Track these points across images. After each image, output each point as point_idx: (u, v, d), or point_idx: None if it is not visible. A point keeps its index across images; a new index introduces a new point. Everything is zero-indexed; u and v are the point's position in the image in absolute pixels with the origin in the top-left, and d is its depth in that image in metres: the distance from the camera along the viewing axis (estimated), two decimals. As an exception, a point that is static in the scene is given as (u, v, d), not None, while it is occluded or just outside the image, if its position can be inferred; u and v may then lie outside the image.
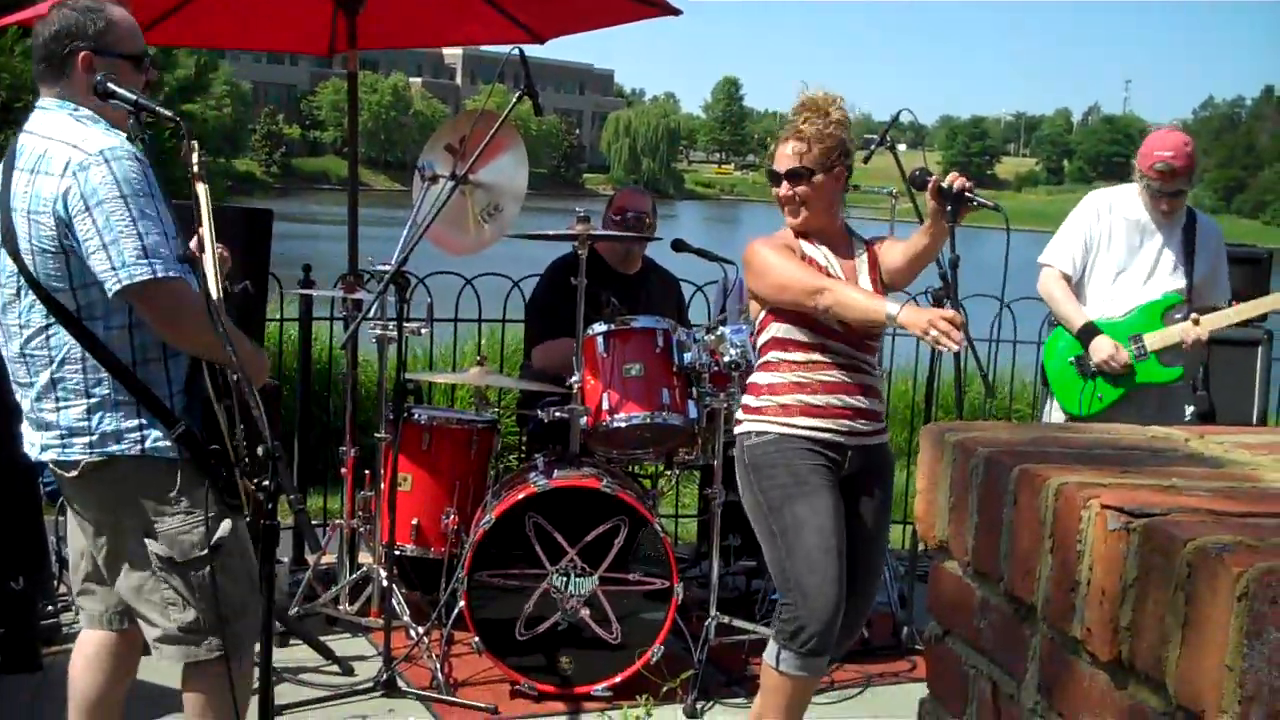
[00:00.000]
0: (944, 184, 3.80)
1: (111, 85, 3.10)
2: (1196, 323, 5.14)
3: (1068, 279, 5.28)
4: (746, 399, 4.13)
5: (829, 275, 4.01)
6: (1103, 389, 5.20)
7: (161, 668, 3.71)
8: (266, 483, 2.88)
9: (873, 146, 5.17)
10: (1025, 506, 1.31)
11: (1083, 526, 1.21)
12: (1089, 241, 5.27)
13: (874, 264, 4.14)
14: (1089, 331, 5.19)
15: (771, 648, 3.98)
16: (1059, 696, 1.29)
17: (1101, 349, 5.15)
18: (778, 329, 4.04)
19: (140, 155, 3.17)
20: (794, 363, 4.00)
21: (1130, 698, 1.17)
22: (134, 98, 3.09)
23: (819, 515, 3.89)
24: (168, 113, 3.18)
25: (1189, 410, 6.04)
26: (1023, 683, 1.35)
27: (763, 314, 4.09)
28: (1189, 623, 1.07)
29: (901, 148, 5.34)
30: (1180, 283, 5.24)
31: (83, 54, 3.28)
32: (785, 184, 4.08)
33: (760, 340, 4.13)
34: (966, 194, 3.79)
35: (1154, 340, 5.17)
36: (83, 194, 3.13)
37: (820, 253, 4.09)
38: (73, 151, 3.16)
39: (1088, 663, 1.23)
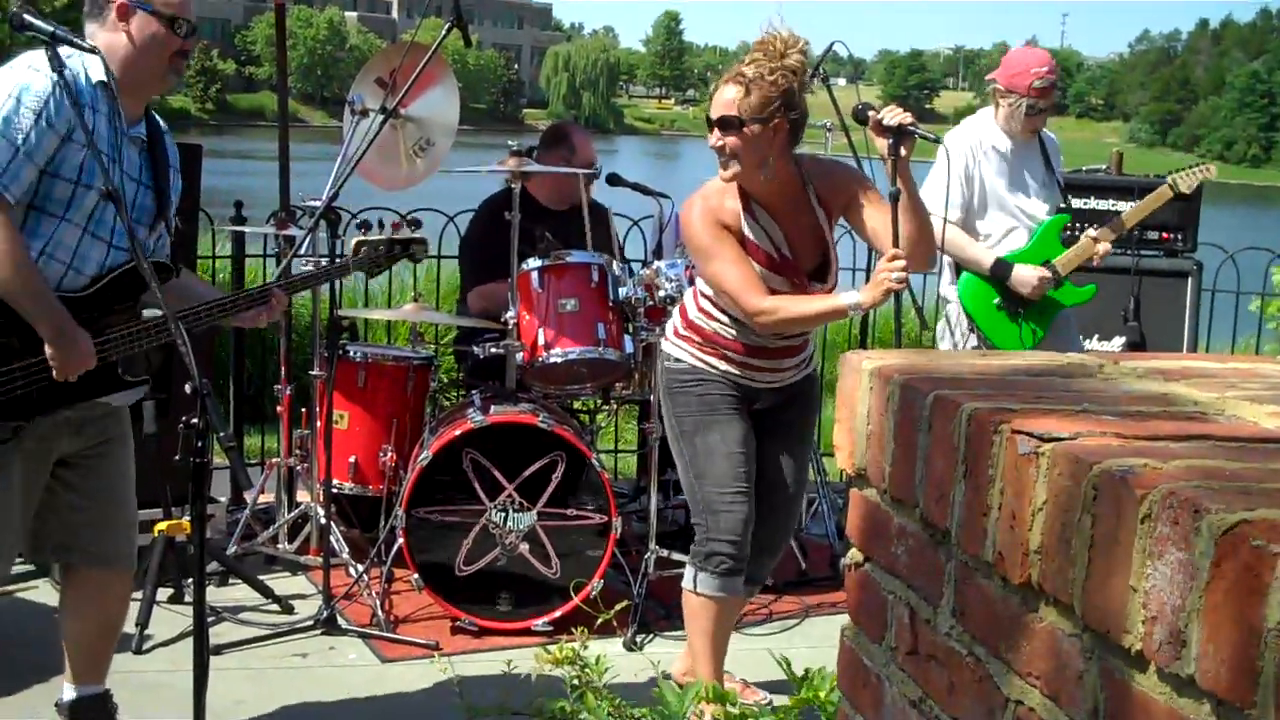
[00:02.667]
0: (883, 118, 3.79)
1: (27, 16, 3.03)
2: (1095, 239, 5.20)
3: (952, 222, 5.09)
4: (675, 319, 4.13)
5: (774, 257, 3.87)
6: (1035, 321, 5.22)
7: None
8: (195, 421, 2.86)
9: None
10: (939, 432, 1.32)
11: (994, 451, 1.23)
12: (967, 181, 5.16)
13: (831, 215, 3.95)
14: (1004, 267, 5.13)
15: (689, 571, 4.05)
16: (974, 620, 1.30)
17: (1027, 279, 5.11)
18: None
19: (68, 89, 3.09)
20: (724, 317, 3.96)
21: (1041, 620, 1.18)
22: (50, 29, 3.03)
23: (728, 443, 3.96)
24: (86, 45, 3.13)
25: (1120, 341, 6.12)
26: (938, 608, 1.37)
27: None
28: (1095, 545, 1.08)
29: (840, 82, 5.34)
30: (1055, 199, 5.30)
31: (119, 3, 3.30)
32: (715, 132, 3.79)
33: (699, 282, 4.07)
34: (907, 127, 3.78)
35: (1063, 262, 5.19)
36: None
37: (761, 227, 3.87)
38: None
39: (1000, 587, 1.25)
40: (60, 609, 3.74)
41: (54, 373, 3.20)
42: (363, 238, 4.09)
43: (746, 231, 3.87)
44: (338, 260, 4.17)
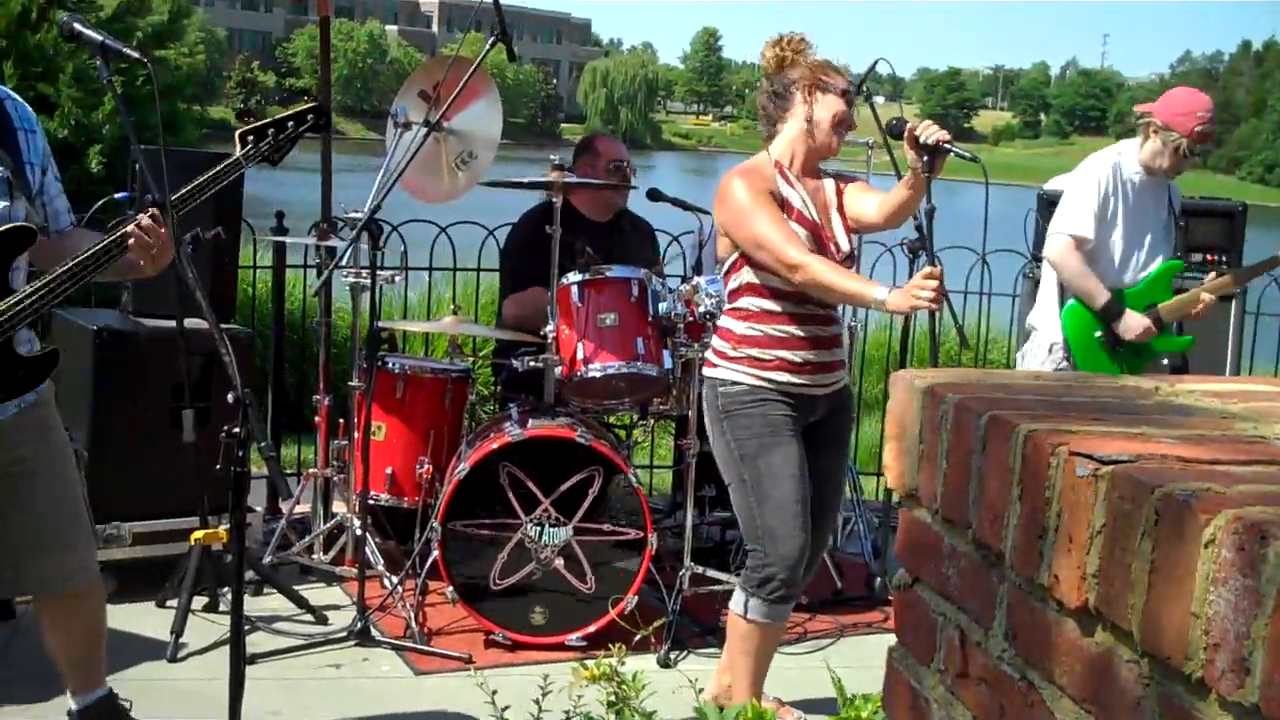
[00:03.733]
0: (920, 134, 3.78)
1: (77, 26, 3.05)
2: (1209, 290, 5.14)
3: (1078, 244, 5.03)
4: (719, 344, 4.09)
5: (806, 220, 3.98)
6: (1131, 361, 5.14)
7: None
8: (236, 430, 2.87)
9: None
10: (994, 453, 1.31)
11: (1051, 473, 1.21)
12: (1105, 206, 5.05)
13: (841, 204, 4.12)
14: (1114, 308, 5.05)
15: (739, 596, 4.01)
16: (1026, 644, 1.29)
17: (1134, 327, 5.04)
18: (753, 275, 4.00)
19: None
20: (771, 314, 3.97)
21: (1097, 645, 1.16)
22: (100, 39, 3.05)
23: (790, 465, 3.92)
24: (135, 54, 3.13)
25: (1163, 363, 6.06)
26: (990, 630, 1.35)
27: (735, 255, 4.04)
28: (1156, 569, 1.06)
29: (879, 99, 5.32)
30: (1171, 244, 5.22)
31: None
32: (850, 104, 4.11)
33: (732, 284, 4.07)
34: (944, 144, 3.78)
35: (1168, 310, 5.13)
36: None
37: (797, 193, 4.03)
38: None
39: (1055, 610, 1.23)
40: (40, 627, 3.65)
41: None
42: (246, 126, 3.63)
43: (786, 195, 4.02)
44: (228, 159, 3.55)
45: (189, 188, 3.37)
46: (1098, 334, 5.11)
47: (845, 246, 4.10)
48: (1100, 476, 1.14)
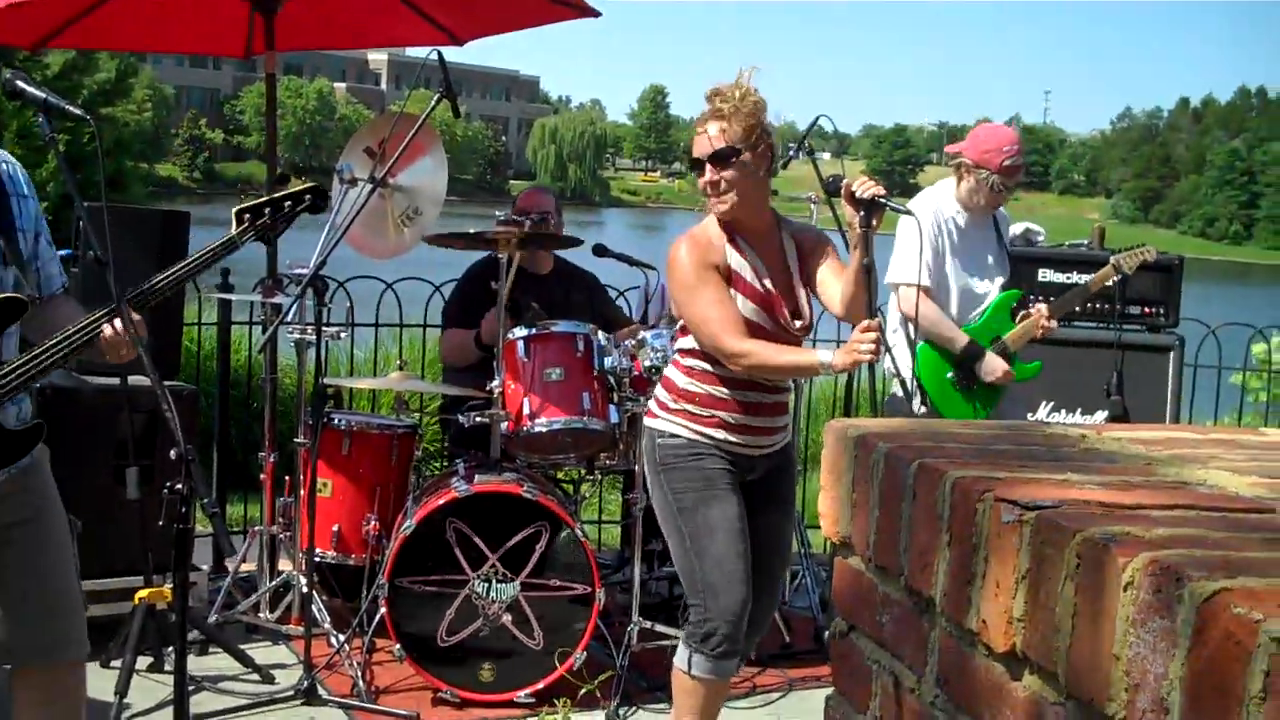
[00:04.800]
0: (856, 190, 3.83)
1: (20, 84, 3.05)
2: (1049, 316, 5.23)
3: (927, 292, 5.09)
4: (661, 394, 4.09)
5: (755, 294, 3.92)
6: (982, 397, 5.23)
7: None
8: (179, 487, 2.85)
9: (792, 154, 5.14)
10: (923, 500, 1.33)
11: (978, 519, 1.23)
12: (935, 251, 5.14)
13: (803, 263, 4.05)
14: (975, 350, 5.15)
15: (682, 652, 3.99)
16: (958, 689, 1.31)
17: (994, 369, 5.14)
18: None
19: None
20: (715, 376, 3.96)
21: (1025, 689, 1.19)
22: (43, 96, 3.04)
23: (728, 519, 3.91)
24: (77, 110, 3.13)
25: (1102, 415, 6.14)
26: (923, 676, 1.37)
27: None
28: (1078, 613, 1.09)
29: (825, 156, 5.38)
30: (1005, 273, 5.34)
31: None
32: (710, 168, 3.88)
33: (683, 342, 4.06)
34: (879, 199, 3.82)
35: (1014, 338, 5.22)
36: None
37: (748, 263, 3.94)
38: None
39: (984, 655, 1.25)
40: (11, 712, 3.43)
41: None
42: (242, 204, 3.57)
43: (734, 266, 3.93)
44: (223, 238, 3.51)
45: (180, 266, 3.35)
46: (949, 375, 5.21)
47: (805, 316, 4.05)
48: (1025, 522, 1.17)
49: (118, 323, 3.12)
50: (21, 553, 3.24)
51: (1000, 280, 5.30)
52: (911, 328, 5.20)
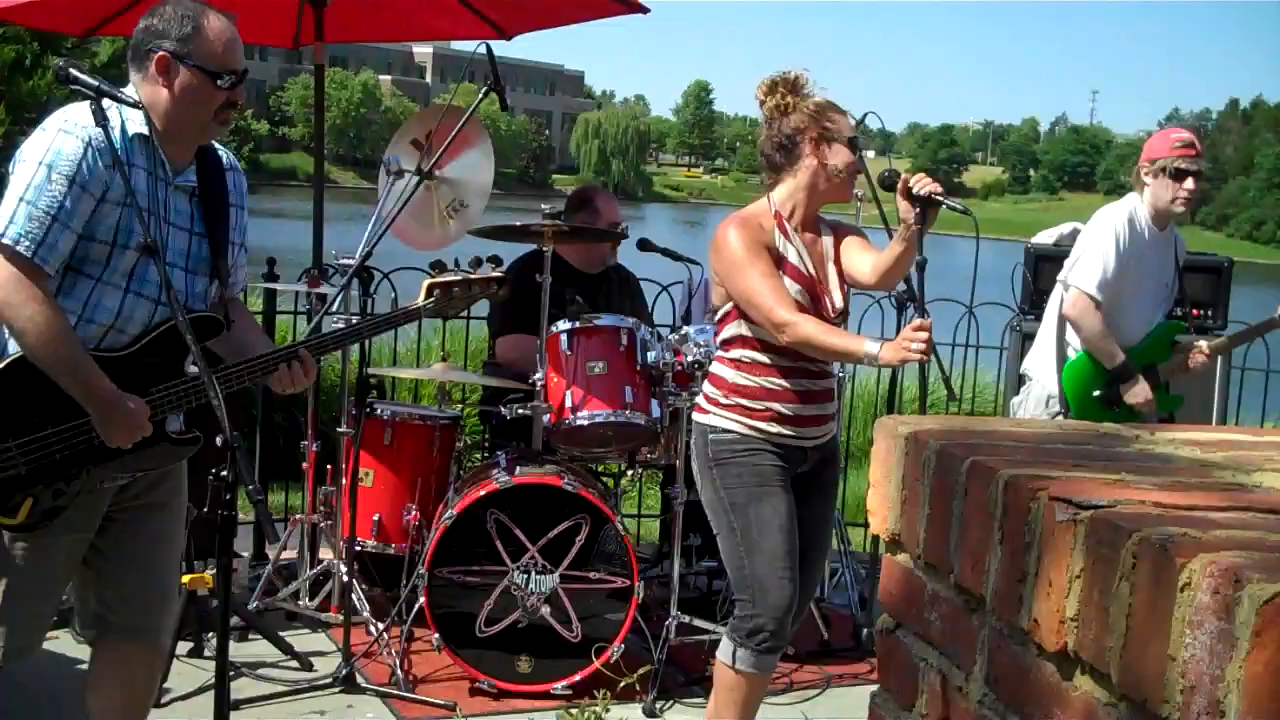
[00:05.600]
0: (913, 187, 3.79)
1: (74, 72, 3.07)
2: (1205, 354, 5.18)
3: (1096, 303, 5.03)
4: (710, 390, 4.08)
5: (801, 276, 3.96)
6: (1125, 421, 5.17)
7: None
8: (224, 473, 2.86)
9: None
10: (975, 498, 1.32)
11: (1031, 518, 1.22)
12: (1123, 263, 5.04)
13: (839, 258, 4.09)
14: (1129, 370, 5.07)
15: (726, 645, 3.99)
16: (1006, 688, 1.30)
17: (1139, 394, 5.07)
18: (746, 327, 3.98)
19: (103, 147, 3.06)
20: (764, 366, 3.95)
21: (1076, 689, 1.18)
22: (95, 84, 3.06)
23: (780, 516, 3.91)
24: (131, 99, 3.15)
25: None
26: (971, 674, 1.36)
27: (729, 304, 4.02)
28: (1133, 613, 1.07)
29: (870, 154, 5.34)
30: (1172, 301, 5.27)
31: (159, 55, 3.20)
32: (854, 153, 4.03)
33: (726, 333, 4.05)
34: (936, 197, 3.79)
35: (1166, 370, 5.18)
36: (19, 149, 3.16)
37: (794, 247, 3.98)
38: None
39: (1035, 654, 1.24)
40: (87, 681, 3.57)
41: (105, 440, 3.12)
42: (435, 279, 3.84)
43: (782, 250, 3.97)
44: (406, 307, 3.82)
45: (357, 325, 3.80)
46: (1096, 393, 5.13)
47: (840, 304, 4.08)
48: (1079, 521, 1.15)
49: (295, 365, 3.38)
50: (147, 534, 3.42)
51: (1166, 308, 5.26)
52: (1065, 331, 5.17)
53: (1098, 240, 5.07)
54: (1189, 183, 5.07)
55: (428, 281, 3.79)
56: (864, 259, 4.04)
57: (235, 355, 3.36)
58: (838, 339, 3.90)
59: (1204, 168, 5.13)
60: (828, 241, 4.10)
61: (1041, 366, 5.25)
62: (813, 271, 4.00)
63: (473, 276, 3.88)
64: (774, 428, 3.95)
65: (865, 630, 5.49)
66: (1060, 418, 5.11)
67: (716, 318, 4.11)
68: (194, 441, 3.38)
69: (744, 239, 3.94)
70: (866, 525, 6.53)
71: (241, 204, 3.47)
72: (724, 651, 4.01)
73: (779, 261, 3.96)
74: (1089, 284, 5.02)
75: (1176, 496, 1.22)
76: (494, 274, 3.95)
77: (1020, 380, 5.37)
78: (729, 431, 3.98)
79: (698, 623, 5.02)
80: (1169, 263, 5.24)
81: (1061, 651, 1.18)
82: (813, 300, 3.97)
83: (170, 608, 3.62)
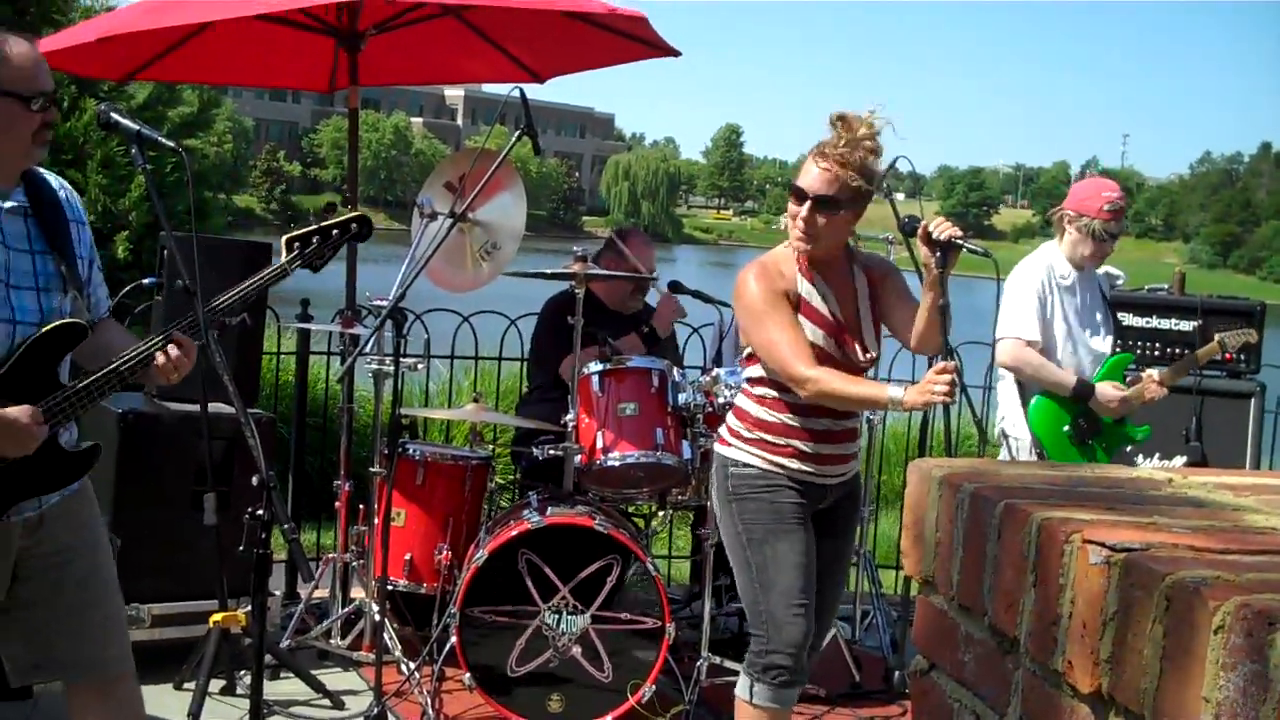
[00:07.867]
0: (932, 231, 3.81)
1: (115, 116, 3.12)
2: (1160, 382, 5.22)
3: (1028, 342, 5.10)
4: (734, 423, 4.09)
5: (825, 322, 3.96)
6: (1101, 452, 5.19)
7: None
8: (260, 512, 2.89)
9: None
10: (1009, 541, 1.33)
11: (1065, 561, 1.23)
12: (1044, 307, 5.13)
13: (874, 294, 4.08)
14: (1085, 388, 5.12)
15: (744, 681, 4.01)
16: (1041, 730, 1.30)
17: (1110, 396, 5.11)
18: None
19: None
20: (785, 404, 3.97)
21: (1110, 731, 1.18)
22: (136, 128, 3.11)
23: (796, 554, 3.93)
24: (169, 143, 3.20)
25: (1181, 460, 6.07)
26: (1005, 715, 1.36)
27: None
28: (1167, 655, 1.08)
29: (900, 197, 5.36)
30: (1110, 335, 5.32)
31: None
32: (806, 205, 3.86)
33: (751, 371, 4.06)
34: (955, 240, 3.81)
35: (1124, 403, 5.20)
36: None
37: (818, 293, 3.97)
38: None
39: (1069, 695, 1.24)
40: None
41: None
42: (293, 233, 3.64)
43: (804, 294, 3.96)
44: (273, 267, 3.56)
45: (234, 292, 3.40)
46: (1066, 428, 5.17)
47: (873, 350, 4.07)
48: (1113, 564, 1.16)
49: (171, 349, 3.19)
50: (80, 573, 3.31)
51: (1110, 339, 5.29)
52: (1020, 385, 5.20)
53: (1018, 292, 5.15)
54: (1108, 246, 5.19)
55: (286, 236, 3.62)
56: (903, 316, 4.01)
57: (105, 357, 3.24)
58: (857, 388, 3.90)
59: (1124, 228, 5.23)
60: (861, 279, 4.08)
61: (1013, 423, 5.25)
62: (838, 315, 4.00)
63: (327, 221, 3.67)
64: (795, 464, 3.96)
65: (897, 673, 5.47)
66: None
67: (743, 355, 4.13)
68: (92, 453, 3.29)
69: (761, 289, 3.94)
70: (898, 568, 6.52)
71: (81, 219, 3.37)
72: (742, 687, 4.02)
73: (800, 306, 3.95)
74: (1016, 329, 5.10)
75: (1209, 540, 1.23)
76: (349, 215, 3.73)
77: (1003, 439, 5.36)
78: (750, 466, 3.99)
79: (728, 664, 5.01)
80: (1097, 301, 5.31)
81: (1096, 693, 1.19)
82: (838, 347, 3.97)
83: (126, 631, 3.49)
